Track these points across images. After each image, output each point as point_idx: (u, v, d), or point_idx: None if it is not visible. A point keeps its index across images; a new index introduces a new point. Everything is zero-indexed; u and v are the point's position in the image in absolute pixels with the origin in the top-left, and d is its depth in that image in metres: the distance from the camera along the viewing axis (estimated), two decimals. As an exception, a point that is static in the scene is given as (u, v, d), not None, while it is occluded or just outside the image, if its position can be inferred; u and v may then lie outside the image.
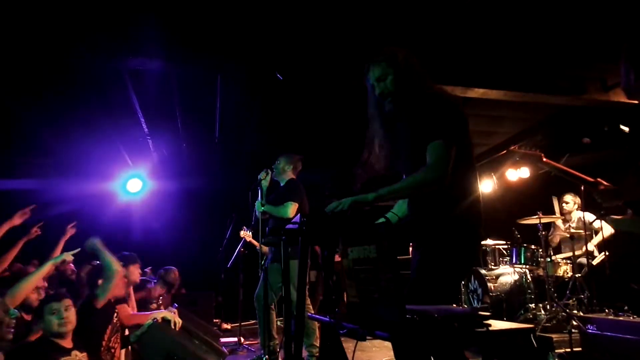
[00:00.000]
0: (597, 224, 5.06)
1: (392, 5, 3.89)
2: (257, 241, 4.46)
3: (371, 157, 2.20)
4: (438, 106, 1.97)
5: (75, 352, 2.70)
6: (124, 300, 3.67)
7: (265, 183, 4.19)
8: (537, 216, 4.96)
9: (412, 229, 2.09)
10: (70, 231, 4.15)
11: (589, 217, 5.03)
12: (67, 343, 2.70)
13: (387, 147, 2.16)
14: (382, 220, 2.03)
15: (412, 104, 2.02)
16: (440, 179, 1.86)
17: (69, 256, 3.26)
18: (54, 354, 2.60)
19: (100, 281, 3.29)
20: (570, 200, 5.35)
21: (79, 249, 3.40)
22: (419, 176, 1.90)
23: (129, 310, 3.66)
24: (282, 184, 4.34)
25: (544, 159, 2.91)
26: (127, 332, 3.60)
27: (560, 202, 5.43)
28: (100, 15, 3.77)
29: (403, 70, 2.03)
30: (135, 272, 4.10)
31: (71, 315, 2.74)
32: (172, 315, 3.59)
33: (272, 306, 4.07)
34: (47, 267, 3.10)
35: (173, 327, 3.50)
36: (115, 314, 3.27)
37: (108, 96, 5.19)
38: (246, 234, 5.73)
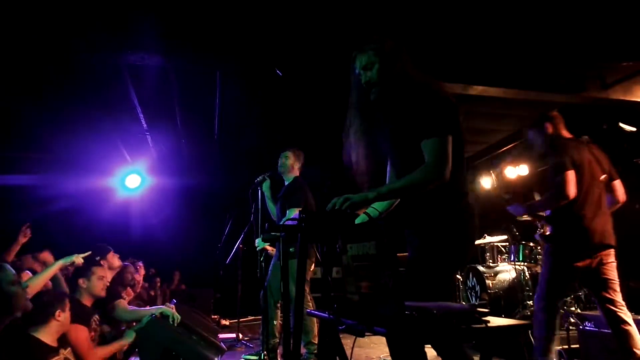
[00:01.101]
0: None
1: (392, 1, 3.89)
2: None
3: (349, 153, 2.19)
4: (429, 98, 1.94)
5: (61, 351, 2.72)
6: (117, 297, 3.66)
7: (266, 186, 4.11)
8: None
9: (407, 218, 2.09)
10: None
11: None
12: (53, 342, 2.70)
13: (363, 141, 2.14)
14: (363, 217, 2.04)
15: (399, 96, 1.99)
16: (441, 178, 1.85)
17: (79, 259, 3.25)
18: (43, 354, 2.59)
19: (81, 280, 3.30)
20: None
21: (90, 252, 3.41)
22: (421, 175, 1.87)
23: (125, 304, 3.66)
24: (287, 183, 4.22)
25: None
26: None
27: None
28: (99, 11, 3.76)
29: (390, 59, 1.99)
30: (113, 260, 4.08)
31: (67, 318, 2.80)
32: (171, 310, 3.60)
33: (278, 304, 4.02)
34: (56, 267, 3.10)
35: (171, 322, 3.51)
36: (96, 319, 3.27)
37: (107, 92, 5.18)
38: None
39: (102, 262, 3.82)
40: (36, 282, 2.94)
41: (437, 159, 1.86)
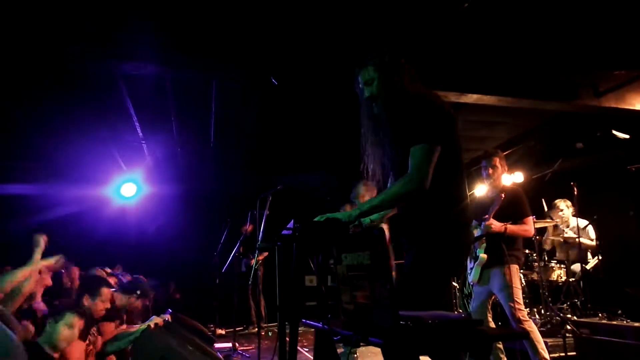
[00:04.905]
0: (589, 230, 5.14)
1: (388, 10, 3.92)
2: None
3: (366, 166, 2.22)
4: (419, 108, 1.96)
5: None
6: (109, 318, 3.62)
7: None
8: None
9: (403, 226, 2.10)
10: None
11: (582, 222, 5.09)
12: (57, 354, 2.69)
13: (377, 153, 2.17)
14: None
15: (395, 108, 2.03)
16: (418, 189, 1.87)
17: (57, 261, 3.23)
18: None
19: (85, 297, 3.27)
20: (565, 207, 5.40)
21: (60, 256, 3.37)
22: (398, 187, 1.91)
23: (111, 327, 3.60)
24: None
25: None
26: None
27: (555, 209, 5.46)
28: (95, 20, 3.77)
29: (389, 73, 2.03)
30: (138, 304, 4.09)
31: (78, 334, 2.75)
32: (159, 319, 3.61)
33: None
34: (36, 264, 3.04)
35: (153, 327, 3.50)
36: (94, 331, 3.24)
37: (103, 100, 5.18)
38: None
39: (135, 299, 3.89)
40: (15, 277, 2.88)
41: (416, 169, 1.88)
